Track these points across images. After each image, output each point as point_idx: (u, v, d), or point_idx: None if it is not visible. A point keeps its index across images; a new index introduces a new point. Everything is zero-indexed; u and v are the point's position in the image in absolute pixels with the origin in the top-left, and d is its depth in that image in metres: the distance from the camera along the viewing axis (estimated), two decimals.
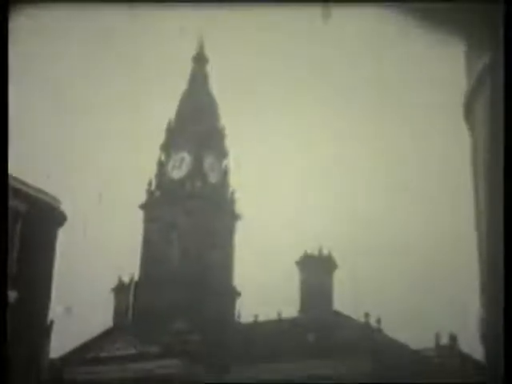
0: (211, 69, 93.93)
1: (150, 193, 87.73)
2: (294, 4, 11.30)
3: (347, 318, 75.07)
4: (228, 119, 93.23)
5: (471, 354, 68.55)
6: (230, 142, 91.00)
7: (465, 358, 70.01)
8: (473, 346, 65.92)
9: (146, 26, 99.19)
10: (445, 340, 73.61)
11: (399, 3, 9.92)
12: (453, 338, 73.07)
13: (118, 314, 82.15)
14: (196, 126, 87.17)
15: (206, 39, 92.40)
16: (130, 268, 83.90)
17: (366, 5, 10.82)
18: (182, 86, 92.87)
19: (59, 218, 40.82)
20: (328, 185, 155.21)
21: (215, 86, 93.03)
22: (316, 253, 77.79)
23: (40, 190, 39.57)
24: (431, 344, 74.01)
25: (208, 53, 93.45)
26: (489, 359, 8.46)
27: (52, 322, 42.50)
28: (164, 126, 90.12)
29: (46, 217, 38.14)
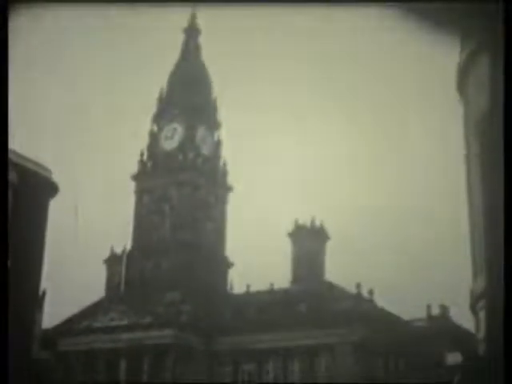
0: (204, 40, 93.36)
1: (142, 164, 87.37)
2: None
3: (339, 288, 75.27)
4: (221, 91, 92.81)
5: (462, 324, 69.02)
6: (222, 114, 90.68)
7: (455, 329, 70.37)
8: (464, 317, 66.33)
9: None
10: (436, 311, 73.92)
11: (400, 3, 9.92)
12: (444, 309, 73.38)
13: (111, 284, 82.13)
14: (188, 97, 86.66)
15: (199, 10, 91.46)
16: (122, 239, 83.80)
17: (366, 5, 10.81)
18: (174, 56, 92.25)
19: (51, 189, 40.55)
20: (321, 156, 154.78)
21: (207, 57, 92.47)
22: (308, 224, 77.79)
23: (31, 160, 39.31)
24: (422, 315, 74.34)
25: (200, 24, 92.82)
26: (489, 331, 8.43)
27: (44, 293, 42.41)
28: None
29: (37, 187, 37.89)
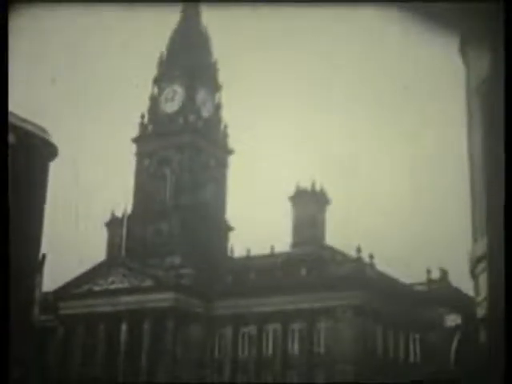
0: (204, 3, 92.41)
1: (142, 126, 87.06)
2: None
3: (339, 252, 75.42)
4: (222, 53, 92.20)
5: (461, 287, 69.27)
6: (223, 76, 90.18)
7: (455, 292, 70.64)
8: (463, 280, 66.50)
9: None
10: (436, 275, 74.17)
11: (400, 3, 9.86)
12: (443, 273, 73.61)
13: (111, 248, 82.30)
14: (188, 59, 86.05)
15: None
16: (123, 203, 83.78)
17: (366, 5, 10.73)
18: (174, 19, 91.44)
19: (50, 151, 40.35)
20: (322, 121, 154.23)
21: (207, 19, 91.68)
22: (309, 188, 77.66)
23: (29, 122, 39.02)
24: (422, 279, 74.60)
25: None
26: (490, 293, 8.37)
27: (44, 256, 42.41)
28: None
29: (36, 149, 37.67)
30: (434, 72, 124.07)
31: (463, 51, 14.58)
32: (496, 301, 8.04)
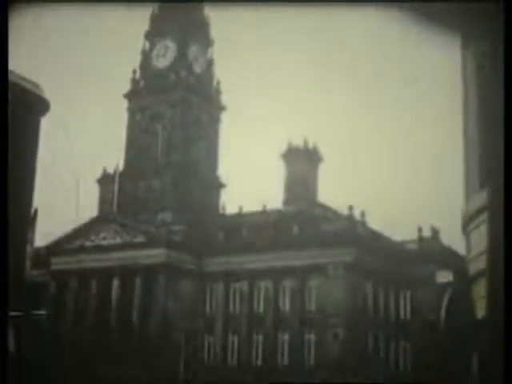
0: None
1: (134, 82, 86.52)
2: None
3: (331, 210, 75.59)
4: (214, 9, 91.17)
5: (452, 246, 69.65)
6: (215, 31, 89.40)
7: (446, 250, 71.02)
8: (454, 239, 66.87)
9: None
10: (427, 233, 74.46)
11: (399, 3, 9.81)
12: (434, 231, 73.89)
13: (103, 204, 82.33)
14: (180, 14, 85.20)
15: None
16: (115, 159, 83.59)
17: (367, 5, 10.66)
18: None
19: (41, 106, 40.07)
20: (315, 78, 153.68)
21: None
22: (301, 145, 77.54)
23: (20, 76, 38.65)
24: (413, 236, 74.92)
25: None
26: (490, 245, 8.40)
27: (36, 212, 42.36)
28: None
29: (27, 104, 37.39)
30: (433, 72, 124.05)
31: (463, 51, 14.58)
32: (496, 254, 8.08)
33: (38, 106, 37.99)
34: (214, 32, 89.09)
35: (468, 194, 15.30)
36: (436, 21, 10.19)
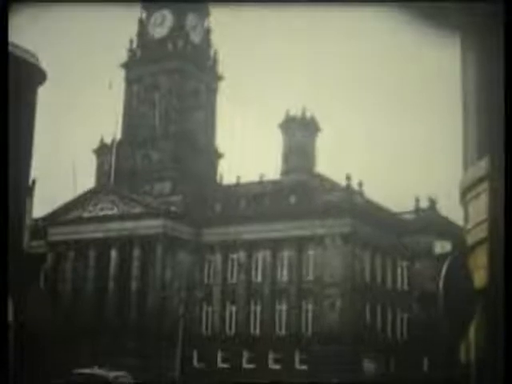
0: None
1: (131, 52, 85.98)
2: None
3: (329, 180, 75.54)
4: None
5: (450, 216, 69.78)
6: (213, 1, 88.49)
7: (443, 221, 71.15)
8: (452, 209, 66.98)
9: None
10: (424, 203, 74.58)
11: (401, 3, 9.76)
12: (432, 202, 73.96)
13: (101, 174, 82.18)
14: None
15: None
16: (112, 129, 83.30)
17: (368, 5, 10.62)
18: None
19: (38, 76, 39.83)
20: (314, 49, 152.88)
21: None
22: (299, 115, 77.26)
23: (16, 46, 38.42)
24: (411, 207, 75.05)
25: None
26: (491, 215, 8.42)
27: (34, 182, 42.29)
28: None
29: (23, 74, 37.22)
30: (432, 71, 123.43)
31: (463, 51, 14.49)
32: (496, 222, 8.09)
33: (34, 75, 37.77)
34: (212, 1, 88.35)
35: (466, 163, 15.24)
36: (434, 21, 10.18)
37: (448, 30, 10.79)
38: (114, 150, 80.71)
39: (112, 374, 31.83)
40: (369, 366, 65.88)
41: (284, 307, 70.18)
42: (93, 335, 71.69)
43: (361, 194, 71.80)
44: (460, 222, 17.71)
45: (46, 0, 13.23)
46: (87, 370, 33.68)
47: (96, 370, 33.55)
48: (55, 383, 34.79)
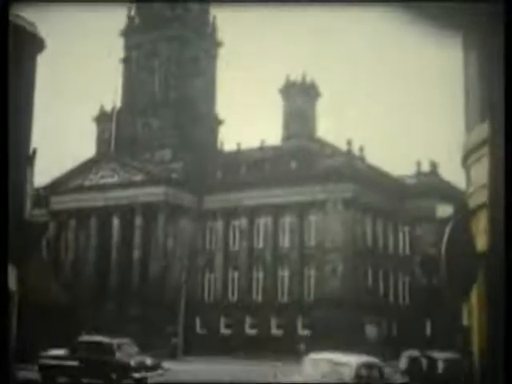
0: None
1: (129, 19, 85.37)
2: None
3: (330, 145, 75.36)
4: None
5: (452, 180, 69.70)
6: None
7: (445, 184, 71.10)
8: (454, 173, 66.91)
9: None
10: (426, 167, 74.45)
11: (398, 3, 9.67)
12: (433, 165, 73.85)
13: (101, 143, 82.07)
14: None
15: None
16: (112, 97, 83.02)
17: (368, 5, 10.53)
18: None
19: (37, 45, 39.60)
20: (315, 15, 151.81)
21: None
22: (299, 80, 76.91)
23: (15, 14, 38.16)
24: (412, 171, 74.94)
25: None
26: (491, 179, 8.37)
27: (35, 151, 42.24)
28: None
29: (22, 42, 37.04)
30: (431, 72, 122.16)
31: (463, 52, 14.37)
32: (496, 187, 8.05)
33: (33, 44, 37.53)
34: None
35: (468, 127, 15.16)
36: (434, 21, 10.11)
37: (449, 30, 10.76)
38: (114, 118, 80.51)
39: (115, 341, 31.93)
40: (371, 330, 66.25)
41: (286, 273, 70.41)
42: (96, 303, 72.12)
43: (362, 158, 71.69)
44: (462, 185, 17.64)
45: (47, 0, 13.14)
46: (90, 338, 33.81)
47: (99, 337, 33.67)
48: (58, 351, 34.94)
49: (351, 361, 19.86)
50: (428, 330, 65.89)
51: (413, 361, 22.62)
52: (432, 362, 22.56)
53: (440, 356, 25.57)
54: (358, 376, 19.17)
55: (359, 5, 11.43)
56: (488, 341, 8.37)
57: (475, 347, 13.86)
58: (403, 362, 24.84)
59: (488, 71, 11.24)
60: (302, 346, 32.41)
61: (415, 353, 22.88)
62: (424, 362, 22.09)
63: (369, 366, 20.35)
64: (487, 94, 11.29)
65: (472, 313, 14.11)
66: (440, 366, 24.74)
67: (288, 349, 56.72)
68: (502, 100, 8.07)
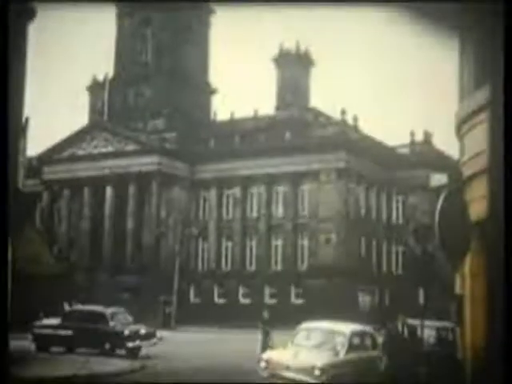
0: None
1: None
2: None
3: (324, 115, 75.15)
4: None
5: (446, 151, 69.71)
6: None
7: (439, 154, 71.09)
8: (448, 143, 66.86)
9: None
10: (420, 137, 74.36)
11: (398, 3, 9.57)
12: (427, 135, 73.78)
13: (94, 112, 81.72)
14: None
15: None
16: (105, 66, 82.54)
17: (370, 5, 10.45)
18: None
19: (28, 13, 39.27)
20: None
21: None
22: (293, 49, 76.51)
23: None
24: (406, 141, 74.85)
25: None
26: (491, 143, 8.35)
27: (27, 120, 42.03)
28: None
29: (12, 10, 36.76)
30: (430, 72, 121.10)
31: (462, 52, 14.26)
32: (496, 151, 8.01)
33: (24, 12, 37.20)
34: None
35: (462, 95, 15.10)
36: (434, 21, 10.03)
37: (448, 30, 10.71)
38: (106, 87, 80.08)
39: (109, 310, 31.98)
40: (364, 299, 66.56)
41: (279, 242, 70.54)
42: (89, 272, 72.31)
43: (356, 128, 71.57)
44: (456, 155, 17.64)
45: (47, 0, 13.17)
46: (84, 307, 33.88)
47: (93, 307, 33.76)
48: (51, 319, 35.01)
49: (344, 329, 19.92)
50: (421, 299, 66.14)
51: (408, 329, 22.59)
52: (426, 330, 22.57)
53: (434, 325, 25.62)
54: (351, 344, 19.25)
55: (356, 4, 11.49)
56: (488, 308, 8.38)
57: (467, 315, 13.92)
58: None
59: (484, 44, 11.21)
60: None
61: (408, 321, 22.86)
62: (417, 330, 22.08)
63: (362, 335, 20.43)
64: (483, 62, 11.25)
65: (465, 281, 14.14)
66: (432, 334, 24.82)
67: (282, 318, 56.91)
68: (501, 61, 8.03)
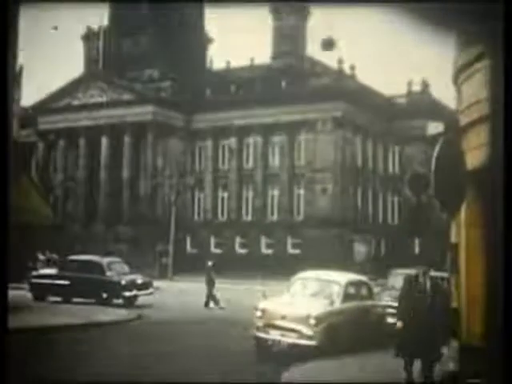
0: None
1: None
2: None
3: (320, 64, 74.55)
4: None
5: (442, 100, 69.39)
6: None
7: (436, 104, 70.76)
8: (445, 92, 66.55)
9: None
10: (417, 87, 73.99)
11: (397, 3, 9.36)
12: (425, 85, 73.38)
13: (89, 62, 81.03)
14: None
15: None
16: (99, 15, 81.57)
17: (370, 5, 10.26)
18: None
19: None
20: None
21: None
22: None
23: None
24: (403, 90, 74.49)
25: None
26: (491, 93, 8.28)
27: (22, 69, 41.61)
28: None
29: None
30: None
31: (462, 52, 13.96)
32: (497, 99, 7.94)
33: None
34: None
35: (460, 44, 14.91)
36: (434, 21, 9.86)
37: (447, 30, 10.56)
38: (101, 36, 79.32)
39: (106, 260, 32.10)
40: (360, 248, 66.83)
41: (276, 192, 70.58)
42: (85, 223, 72.44)
43: (353, 77, 71.11)
44: (453, 105, 17.53)
45: (47, 0, 12.84)
46: (81, 257, 33.97)
47: (89, 256, 33.85)
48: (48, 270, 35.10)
49: (340, 279, 19.96)
50: (416, 248, 66.51)
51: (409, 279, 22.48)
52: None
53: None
54: (346, 294, 19.31)
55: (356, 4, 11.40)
56: (487, 259, 8.38)
57: (462, 264, 13.92)
58: (395, 280, 24.69)
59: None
60: (210, 263, 32.72)
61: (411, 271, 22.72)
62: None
63: (357, 284, 20.48)
64: (481, 10, 11.08)
65: (460, 230, 14.13)
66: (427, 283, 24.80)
67: (278, 268, 57.17)
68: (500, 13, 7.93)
